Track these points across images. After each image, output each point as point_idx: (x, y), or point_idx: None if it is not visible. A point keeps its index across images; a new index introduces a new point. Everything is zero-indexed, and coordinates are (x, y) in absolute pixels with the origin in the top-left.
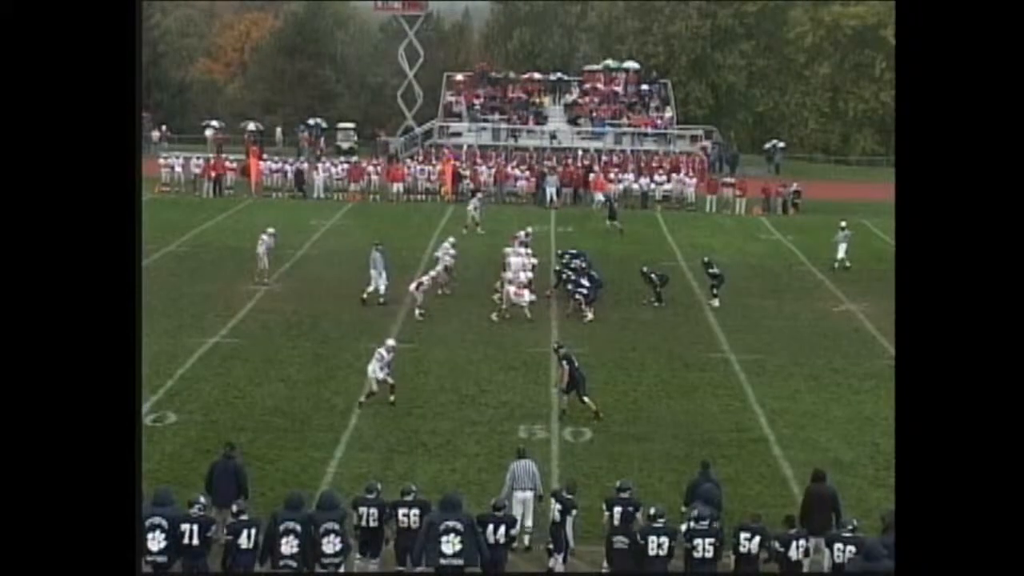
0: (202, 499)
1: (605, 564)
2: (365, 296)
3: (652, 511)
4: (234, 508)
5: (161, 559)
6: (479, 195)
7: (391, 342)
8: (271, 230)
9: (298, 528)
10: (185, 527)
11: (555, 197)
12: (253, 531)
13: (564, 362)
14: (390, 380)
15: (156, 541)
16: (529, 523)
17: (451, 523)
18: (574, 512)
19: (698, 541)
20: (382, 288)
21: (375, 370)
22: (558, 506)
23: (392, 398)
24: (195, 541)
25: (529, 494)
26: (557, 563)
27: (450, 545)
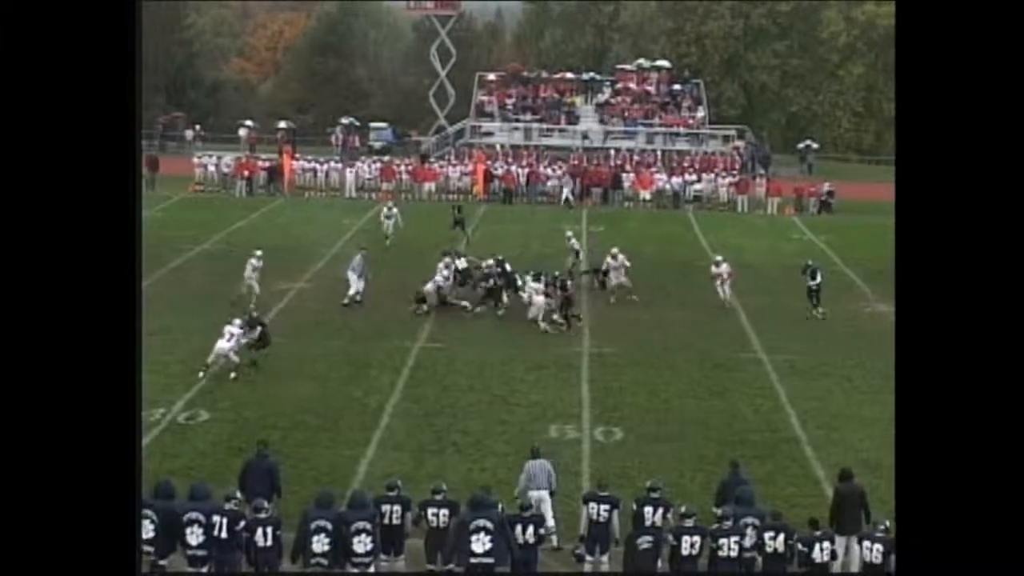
0: (238, 494)
1: (606, 563)
2: (346, 301)
3: (683, 510)
4: (254, 505)
5: (201, 553)
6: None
7: None
8: (259, 252)
9: (329, 526)
10: (216, 519)
11: (571, 197)
12: (271, 529)
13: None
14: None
15: (195, 536)
16: (551, 522)
17: (481, 522)
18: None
19: (723, 540)
20: (360, 289)
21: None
22: (603, 506)
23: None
24: (224, 534)
25: (545, 493)
26: (601, 563)
27: (480, 544)
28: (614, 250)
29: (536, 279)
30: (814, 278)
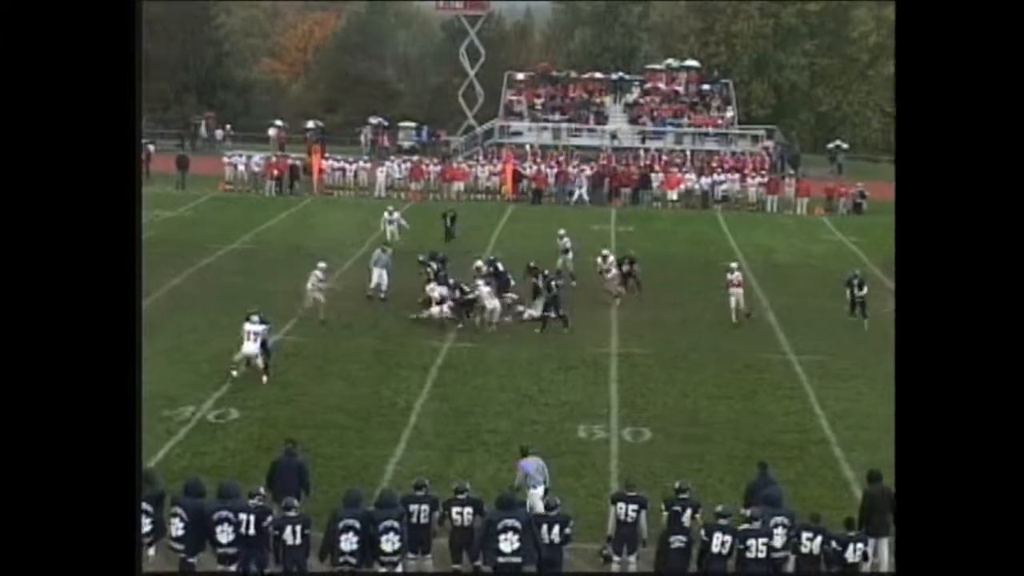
0: (262, 490)
1: (633, 563)
2: (369, 293)
3: (719, 508)
4: (283, 503)
5: (230, 551)
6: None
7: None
8: (323, 264)
9: (357, 525)
10: (243, 517)
11: (586, 196)
12: (299, 527)
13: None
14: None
15: (224, 534)
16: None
17: (510, 521)
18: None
19: (751, 541)
20: (383, 283)
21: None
22: (632, 506)
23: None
24: (251, 531)
25: (541, 490)
26: (629, 563)
27: (509, 544)
28: (604, 251)
29: (487, 282)
30: (860, 288)
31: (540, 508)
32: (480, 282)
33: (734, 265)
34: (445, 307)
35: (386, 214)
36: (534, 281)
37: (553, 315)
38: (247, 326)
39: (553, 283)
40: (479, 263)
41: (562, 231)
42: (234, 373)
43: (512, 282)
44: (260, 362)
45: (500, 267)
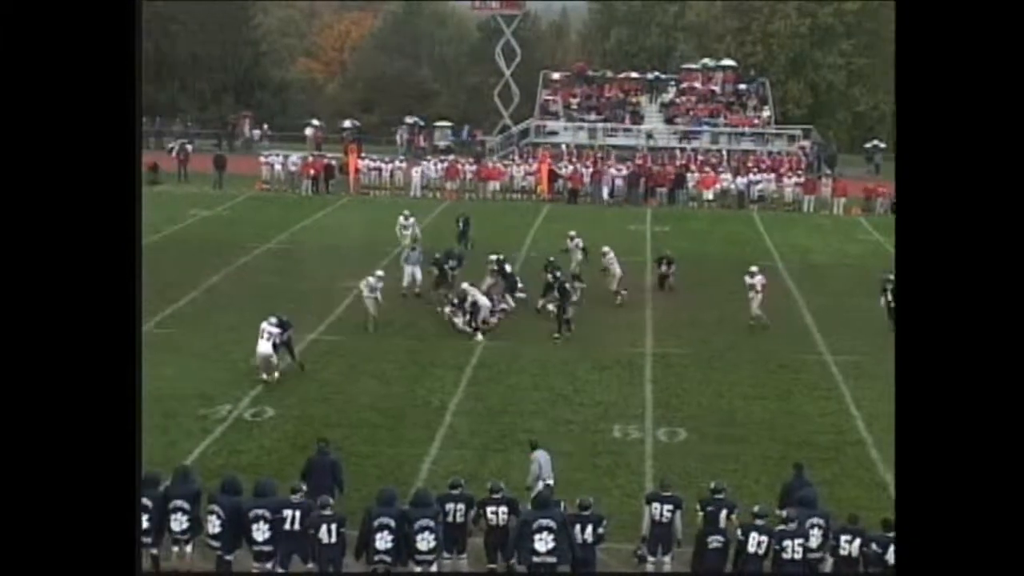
0: (304, 486)
1: (668, 564)
2: (404, 292)
3: (756, 509)
4: (319, 502)
5: (267, 548)
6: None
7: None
8: (380, 273)
9: (392, 524)
10: (287, 513)
11: (610, 195)
12: (335, 526)
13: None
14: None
15: (260, 532)
16: None
17: (545, 521)
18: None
19: (787, 543)
20: (417, 279)
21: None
22: (667, 506)
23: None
24: (296, 527)
25: (550, 483)
26: (664, 563)
27: (543, 543)
28: (604, 248)
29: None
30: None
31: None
32: (466, 284)
33: (755, 269)
34: (447, 309)
35: (401, 219)
36: (548, 279)
37: (562, 318)
38: (264, 324)
39: (568, 286)
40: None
41: (572, 232)
42: (264, 376)
43: (519, 283)
44: (274, 360)
45: (508, 268)
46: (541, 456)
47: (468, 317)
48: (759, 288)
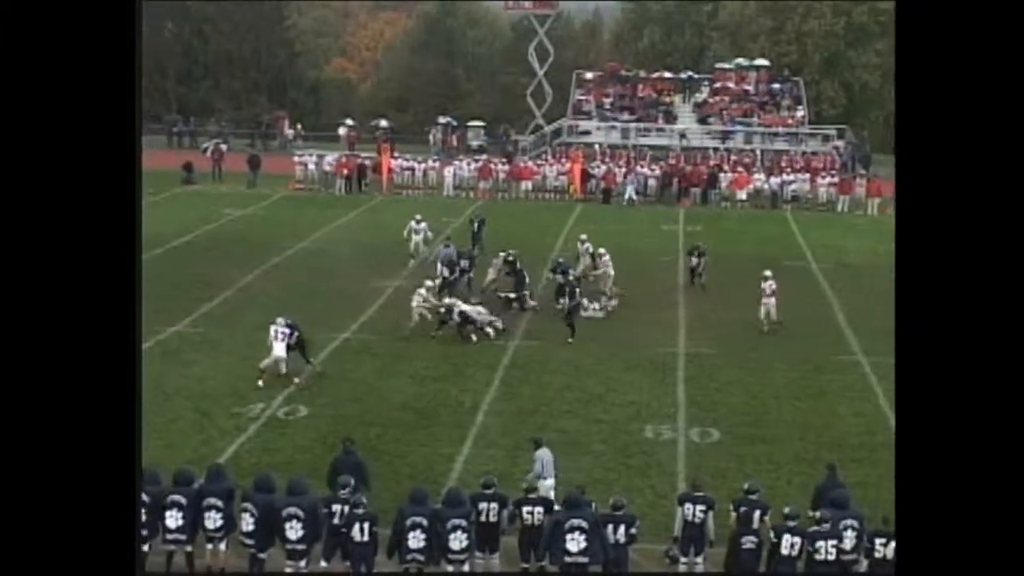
0: (352, 480)
1: (700, 564)
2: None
3: (786, 511)
4: (352, 501)
5: (300, 547)
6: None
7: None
8: (429, 283)
9: (424, 523)
10: (336, 508)
11: (634, 196)
12: (367, 525)
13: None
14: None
15: (293, 530)
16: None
17: (577, 521)
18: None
19: (820, 544)
20: (449, 277)
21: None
22: (699, 507)
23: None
24: (337, 521)
25: (552, 481)
26: (696, 564)
27: (575, 543)
28: (600, 250)
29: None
30: None
31: (552, 498)
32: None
33: (768, 273)
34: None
35: (412, 223)
36: (558, 280)
37: (570, 322)
38: (275, 326)
39: (578, 290)
40: (504, 256)
41: (584, 236)
42: (296, 380)
43: (528, 280)
44: (283, 366)
45: (517, 265)
46: (544, 455)
47: (458, 329)
48: (769, 293)
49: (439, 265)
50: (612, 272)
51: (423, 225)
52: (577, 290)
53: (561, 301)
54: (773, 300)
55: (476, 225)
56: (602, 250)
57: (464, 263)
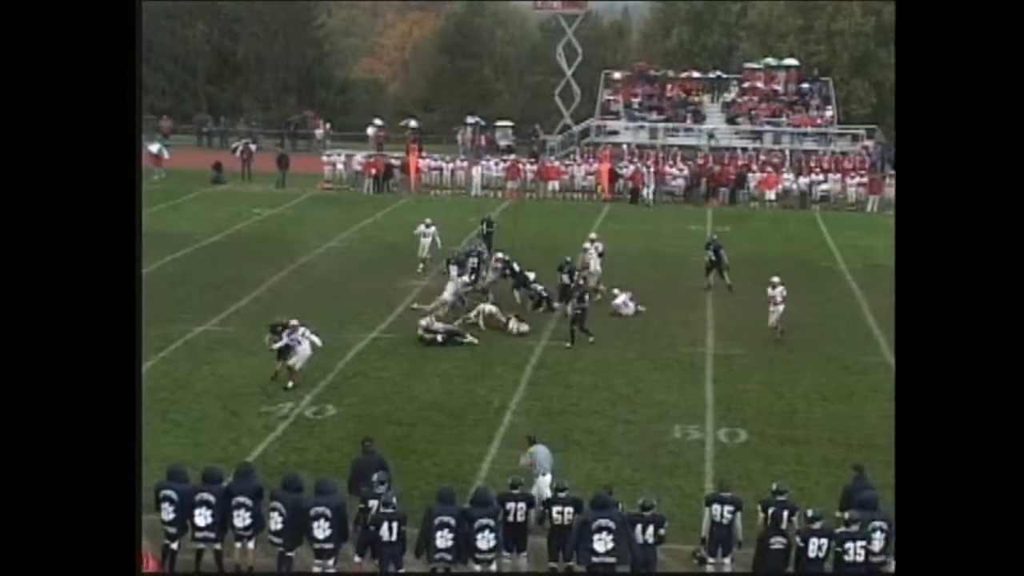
0: (387, 476)
1: (728, 565)
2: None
3: (810, 513)
4: (382, 500)
5: (328, 546)
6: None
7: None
8: (450, 298)
9: (452, 522)
10: (373, 504)
11: (652, 197)
12: (396, 524)
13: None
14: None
15: (321, 529)
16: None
17: (604, 521)
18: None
19: (849, 545)
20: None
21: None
22: (727, 507)
23: None
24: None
25: (549, 477)
26: (724, 564)
27: (603, 543)
28: (586, 245)
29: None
30: None
31: (548, 495)
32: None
33: (776, 280)
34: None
35: (422, 226)
36: (563, 279)
37: (577, 327)
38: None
39: (587, 295)
40: (498, 254)
41: (593, 235)
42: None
43: (531, 277)
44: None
45: (516, 266)
46: (540, 451)
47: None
48: (779, 300)
49: (449, 266)
50: (599, 269)
51: (432, 229)
52: (587, 295)
53: (570, 302)
54: (782, 308)
55: (486, 226)
56: (587, 244)
57: (473, 260)
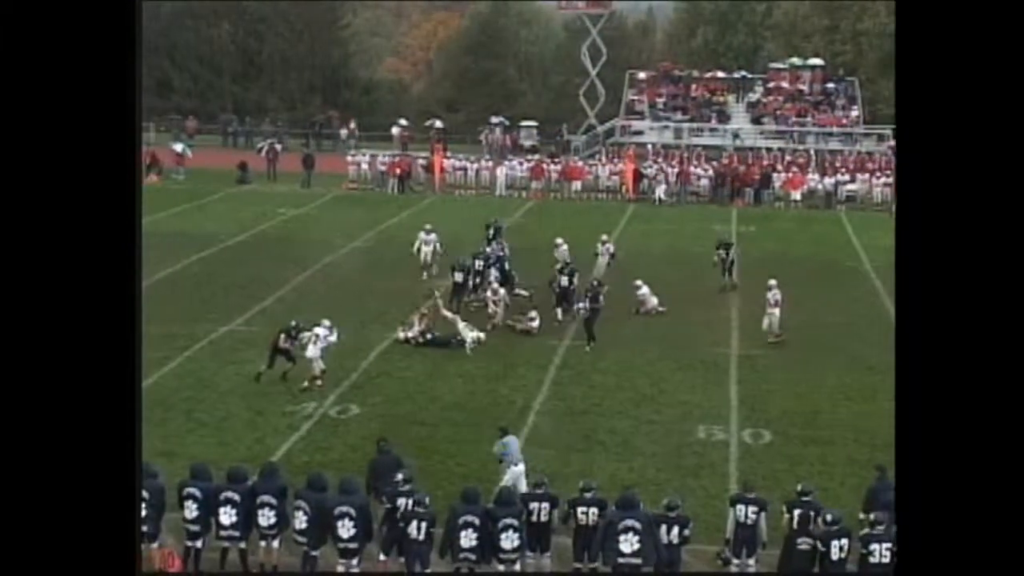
0: (405, 473)
1: (752, 566)
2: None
3: (828, 516)
4: (414, 499)
5: (352, 546)
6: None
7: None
8: (472, 335)
9: (476, 522)
10: (401, 502)
11: (663, 196)
12: (425, 523)
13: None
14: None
15: (345, 529)
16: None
17: (630, 522)
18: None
19: (874, 546)
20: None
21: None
22: (751, 508)
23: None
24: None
25: (521, 467)
26: (748, 566)
27: (628, 544)
28: (558, 240)
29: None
30: None
31: (523, 485)
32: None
33: (773, 283)
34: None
35: (423, 233)
36: (562, 282)
37: (587, 332)
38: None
39: (600, 296)
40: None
41: (604, 236)
42: (319, 383)
43: (515, 279)
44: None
45: (507, 266)
46: (511, 441)
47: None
48: (774, 303)
49: (453, 272)
50: (601, 272)
51: (432, 236)
52: (600, 296)
53: (580, 306)
54: (777, 311)
55: (492, 231)
56: (559, 240)
57: (479, 263)
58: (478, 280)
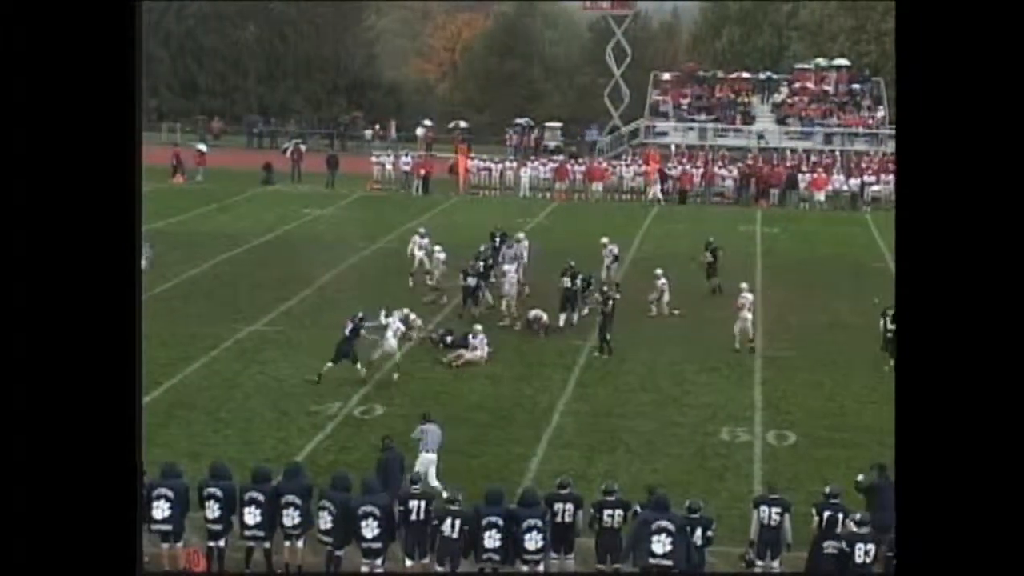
0: (418, 474)
1: (777, 568)
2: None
3: (857, 517)
4: (447, 496)
5: (376, 545)
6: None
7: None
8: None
9: (500, 522)
10: (413, 504)
11: (661, 196)
12: (459, 521)
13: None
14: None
15: (369, 528)
16: (435, 483)
17: (664, 523)
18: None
19: (859, 546)
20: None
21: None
22: (775, 509)
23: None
24: (421, 516)
25: (434, 456)
26: (772, 567)
27: (661, 545)
28: (520, 234)
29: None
30: None
31: (432, 472)
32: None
33: (745, 286)
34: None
35: (416, 237)
36: (564, 283)
37: (600, 338)
38: (391, 320)
39: (611, 300)
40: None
41: (605, 239)
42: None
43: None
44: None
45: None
46: (430, 428)
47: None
48: (747, 308)
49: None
50: (603, 273)
51: (426, 240)
52: (611, 301)
53: (590, 304)
54: (750, 317)
55: (497, 240)
56: (521, 234)
57: (480, 265)
58: (484, 283)
